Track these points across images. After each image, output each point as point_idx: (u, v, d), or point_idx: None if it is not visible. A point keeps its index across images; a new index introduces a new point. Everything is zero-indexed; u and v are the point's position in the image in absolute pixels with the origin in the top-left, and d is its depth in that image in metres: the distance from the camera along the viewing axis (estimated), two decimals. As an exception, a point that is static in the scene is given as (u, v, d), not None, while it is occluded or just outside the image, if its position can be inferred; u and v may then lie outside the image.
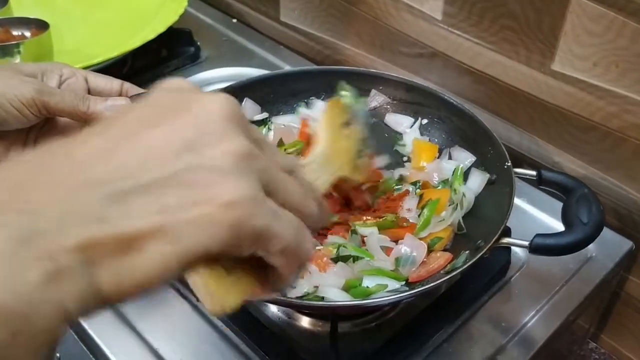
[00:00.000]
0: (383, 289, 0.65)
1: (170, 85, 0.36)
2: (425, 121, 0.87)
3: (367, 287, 0.66)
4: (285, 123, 0.88)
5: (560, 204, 0.68)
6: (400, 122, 0.88)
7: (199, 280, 0.33)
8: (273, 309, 0.74)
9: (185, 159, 0.31)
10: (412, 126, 0.87)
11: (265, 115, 0.88)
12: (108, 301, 0.30)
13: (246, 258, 0.33)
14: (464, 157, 0.81)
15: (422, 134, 0.87)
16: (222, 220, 0.30)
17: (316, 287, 0.66)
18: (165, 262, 0.30)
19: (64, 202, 0.29)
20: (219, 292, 0.34)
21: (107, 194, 0.29)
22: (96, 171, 0.30)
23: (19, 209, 0.28)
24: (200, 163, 0.31)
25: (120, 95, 0.77)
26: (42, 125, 0.74)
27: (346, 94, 0.84)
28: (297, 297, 0.65)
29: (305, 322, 0.73)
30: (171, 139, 0.31)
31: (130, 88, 0.78)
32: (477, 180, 0.77)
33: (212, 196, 0.30)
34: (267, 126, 0.88)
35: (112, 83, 0.77)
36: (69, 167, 0.30)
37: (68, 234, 0.28)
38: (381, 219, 0.73)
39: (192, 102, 0.33)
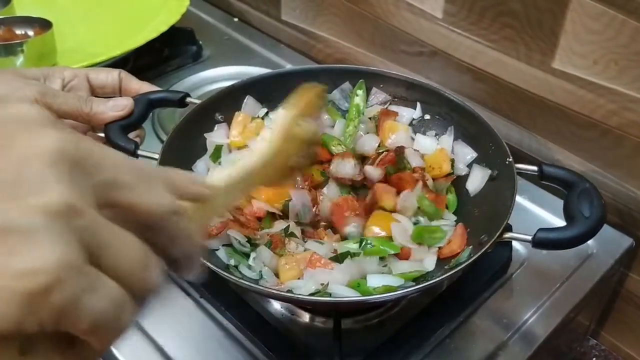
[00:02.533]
0: (387, 291, 0.66)
1: (5, 114, 0.30)
2: (427, 116, 0.87)
3: (371, 287, 0.67)
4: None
5: (560, 202, 0.68)
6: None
7: None
8: (276, 305, 0.75)
9: None
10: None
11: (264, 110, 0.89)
12: None
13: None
14: (466, 153, 0.81)
15: (423, 131, 0.87)
16: (12, 295, 0.25)
17: (323, 284, 0.67)
18: None
19: None
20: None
21: None
22: None
23: None
24: (8, 218, 0.26)
25: (120, 84, 0.78)
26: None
27: (360, 95, 0.85)
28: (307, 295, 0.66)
29: (308, 318, 0.74)
30: None
31: (125, 76, 0.79)
32: (478, 176, 0.78)
33: (6, 264, 0.25)
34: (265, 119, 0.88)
35: (112, 75, 0.78)
36: None
37: None
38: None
39: (18, 138, 0.28)
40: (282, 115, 0.60)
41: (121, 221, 0.30)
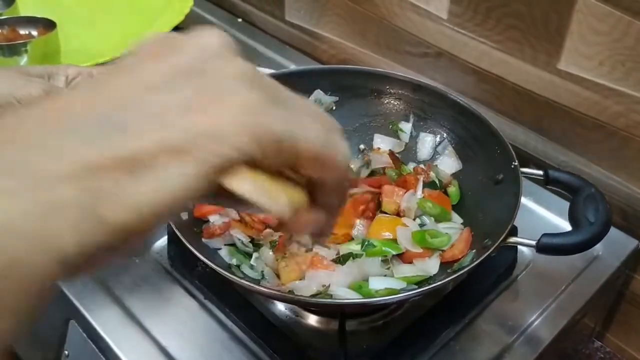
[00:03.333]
0: (390, 293, 0.66)
1: (201, 43, 0.34)
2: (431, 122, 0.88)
3: (373, 289, 0.67)
4: None
5: (567, 204, 0.68)
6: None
7: (246, 184, 0.30)
8: (281, 307, 0.75)
9: (188, 81, 0.30)
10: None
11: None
12: (119, 233, 0.26)
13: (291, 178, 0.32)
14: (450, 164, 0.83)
15: (427, 134, 0.87)
16: (238, 127, 0.29)
17: (325, 286, 0.66)
18: (184, 181, 0.28)
19: (56, 133, 0.27)
20: (275, 189, 0.31)
21: (109, 122, 0.27)
22: (97, 104, 0.28)
23: (15, 145, 0.26)
24: (206, 82, 0.30)
25: None
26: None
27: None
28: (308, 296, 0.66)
29: (313, 320, 0.74)
30: (171, 68, 0.30)
31: None
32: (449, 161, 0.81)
33: (225, 106, 0.29)
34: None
35: None
36: (72, 103, 0.29)
37: (59, 161, 0.26)
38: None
39: (186, 39, 0.32)
40: None
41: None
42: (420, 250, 0.71)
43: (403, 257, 0.72)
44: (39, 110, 0.28)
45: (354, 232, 0.74)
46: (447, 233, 0.74)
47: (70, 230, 0.25)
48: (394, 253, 0.70)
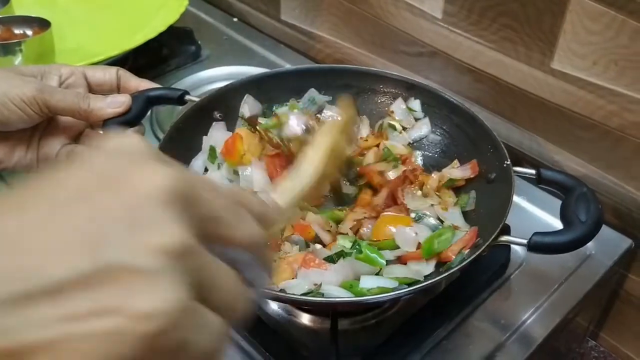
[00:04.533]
0: (382, 292, 0.66)
1: (113, 146, 0.30)
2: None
3: (364, 288, 0.67)
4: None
5: (559, 202, 0.68)
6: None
7: None
8: (274, 306, 0.75)
9: (105, 253, 0.26)
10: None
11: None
12: None
13: None
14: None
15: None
16: (132, 335, 0.25)
17: (316, 284, 0.66)
18: None
19: None
20: None
21: (6, 296, 0.25)
22: None
23: None
24: (122, 260, 0.26)
25: (118, 82, 0.78)
26: (46, 126, 0.75)
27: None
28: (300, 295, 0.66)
29: (305, 319, 0.74)
30: (92, 224, 0.26)
31: (123, 73, 0.79)
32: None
33: (127, 305, 0.25)
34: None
35: (109, 72, 0.78)
36: None
37: None
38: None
39: (129, 176, 0.28)
40: (324, 135, 0.60)
41: (215, 253, 0.30)
42: (418, 252, 0.71)
43: (400, 258, 0.72)
44: None
45: (362, 230, 0.74)
46: (451, 225, 0.73)
47: None
48: (383, 263, 0.69)
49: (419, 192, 0.76)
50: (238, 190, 0.35)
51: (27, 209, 0.27)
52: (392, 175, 0.79)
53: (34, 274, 0.25)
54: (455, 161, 0.81)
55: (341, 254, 0.69)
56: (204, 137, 0.83)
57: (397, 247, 0.71)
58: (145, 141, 0.31)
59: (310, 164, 0.54)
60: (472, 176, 0.78)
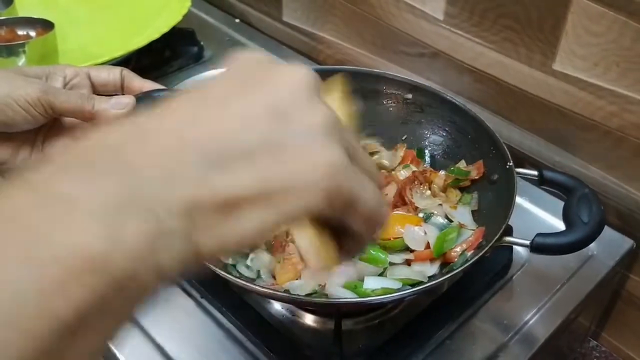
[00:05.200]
0: (386, 293, 0.66)
1: (247, 57, 0.36)
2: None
3: (367, 289, 0.67)
4: None
5: (561, 203, 0.69)
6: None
7: (303, 237, 0.35)
8: (277, 306, 0.75)
9: (278, 126, 0.31)
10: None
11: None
12: (204, 260, 0.31)
13: (327, 223, 0.35)
14: None
15: (423, 135, 0.88)
16: (319, 185, 0.31)
17: (320, 285, 0.67)
18: (264, 225, 0.31)
19: (164, 164, 0.29)
20: (322, 250, 0.35)
21: (206, 158, 0.30)
22: (192, 136, 0.30)
23: (120, 170, 0.29)
24: (293, 130, 0.31)
25: (122, 82, 0.78)
26: (50, 127, 0.75)
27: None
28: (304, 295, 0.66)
29: (309, 319, 0.74)
30: (261, 107, 0.32)
31: (127, 74, 0.79)
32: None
33: (310, 161, 0.31)
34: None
35: (114, 73, 0.78)
36: (164, 132, 0.31)
37: (170, 195, 0.29)
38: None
39: (275, 73, 0.34)
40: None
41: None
42: (427, 252, 0.71)
43: (407, 260, 0.72)
44: (143, 127, 0.31)
45: None
46: (457, 224, 0.73)
47: (172, 255, 0.29)
48: (386, 260, 0.69)
49: (428, 192, 0.77)
50: None
51: (199, 97, 0.33)
52: (403, 174, 0.80)
53: (225, 141, 0.30)
54: (462, 162, 0.81)
55: None
56: None
57: (405, 248, 0.71)
58: (313, 77, 0.35)
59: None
60: (476, 177, 0.78)
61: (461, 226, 0.72)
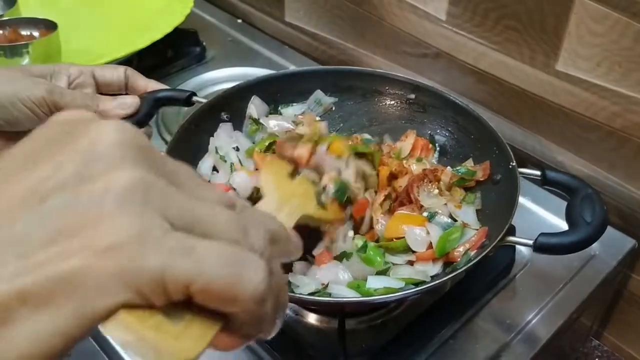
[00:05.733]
0: (389, 292, 0.66)
1: (61, 117, 0.30)
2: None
3: (370, 288, 0.67)
4: (296, 112, 0.90)
5: (564, 203, 0.69)
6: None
7: (122, 332, 0.26)
8: (280, 306, 0.75)
9: (59, 200, 0.26)
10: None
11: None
12: None
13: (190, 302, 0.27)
14: None
15: (427, 135, 0.88)
16: (102, 271, 0.25)
17: (324, 284, 0.67)
18: (44, 334, 0.24)
19: None
20: (165, 342, 0.26)
21: None
22: None
23: None
24: (77, 203, 0.25)
25: (126, 82, 0.79)
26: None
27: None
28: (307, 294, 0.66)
29: (312, 319, 0.74)
30: (46, 179, 0.26)
31: (132, 73, 0.79)
32: None
33: (88, 242, 0.25)
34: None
35: (118, 72, 0.79)
36: None
37: None
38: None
39: (81, 132, 0.28)
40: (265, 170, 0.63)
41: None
42: (429, 252, 0.72)
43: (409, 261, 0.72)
44: None
45: (377, 227, 0.74)
46: (461, 224, 0.73)
47: None
48: (380, 262, 0.69)
49: (435, 191, 0.76)
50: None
51: None
52: (414, 168, 0.79)
53: None
54: (470, 161, 0.81)
55: (343, 255, 0.69)
56: (211, 138, 0.84)
57: (408, 249, 0.71)
58: (90, 112, 0.30)
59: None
60: (482, 178, 0.78)
61: (465, 225, 0.72)
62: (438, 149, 0.87)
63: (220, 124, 0.85)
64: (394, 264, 0.70)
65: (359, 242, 0.71)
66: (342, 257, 0.69)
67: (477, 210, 0.77)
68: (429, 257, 0.70)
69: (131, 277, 0.25)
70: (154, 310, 0.26)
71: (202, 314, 0.27)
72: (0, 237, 0.25)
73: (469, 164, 0.81)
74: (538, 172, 0.72)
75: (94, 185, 0.26)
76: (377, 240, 0.73)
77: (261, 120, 0.87)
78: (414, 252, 0.72)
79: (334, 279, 0.67)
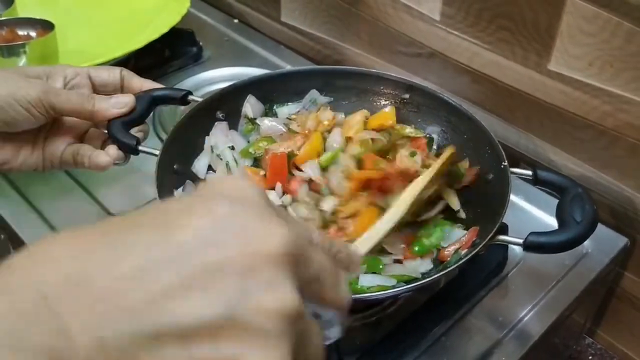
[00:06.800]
0: (381, 289, 0.67)
1: (232, 189, 0.31)
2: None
3: (363, 286, 0.68)
4: (292, 112, 0.90)
5: (556, 201, 0.70)
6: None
7: None
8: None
9: (230, 306, 0.27)
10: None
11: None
12: None
13: None
14: None
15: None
16: None
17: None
18: None
19: (94, 328, 0.26)
20: None
21: (140, 330, 0.26)
22: (130, 297, 0.27)
23: (49, 322, 0.26)
24: (245, 317, 0.27)
25: (122, 82, 0.80)
26: (51, 127, 0.76)
27: None
28: None
29: (306, 316, 0.75)
30: (217, 273, 0.28)
31: (127, 73, 0.80)
32: None
33: (245, 358, 0.27)
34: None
35: (113, 73, 0.80)
36: (103, 283, 0.27)
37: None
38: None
39: (253, 228, 0.29)
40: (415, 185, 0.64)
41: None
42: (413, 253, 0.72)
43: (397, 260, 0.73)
44: (88, 273, 0.28)
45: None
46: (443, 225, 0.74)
47: None
48: (384, 263, 0.71)
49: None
50: (331, 239, 0.37)
51: (149, 245, 0.28)
52: (404, 160, 0.79)
53: (164, 314, 0.27)
54: (466, 161, 0.82)
55: None
56: (207, 137, 0.85)
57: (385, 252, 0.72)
58: (257, 187, 0.32)
59: (396, 210, 0.56)
60: (468, 184, 0.78)
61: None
62: (435, 147, 0.87)
63: (216, 123, 0.86)
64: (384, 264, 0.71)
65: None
66: None
67: (469, 209, 0.78)
68: (414, 256, 0.71)
69: None
70: None
71: None
72: (170, 322, 0.27)
73: (465, 164, 0.81)
74: (529, 172, 0.73)
75: (257, 302, 0.28)
76: None
77: (257, 120, 0.87)
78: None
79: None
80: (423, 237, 0.72)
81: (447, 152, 0.75)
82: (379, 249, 0.69)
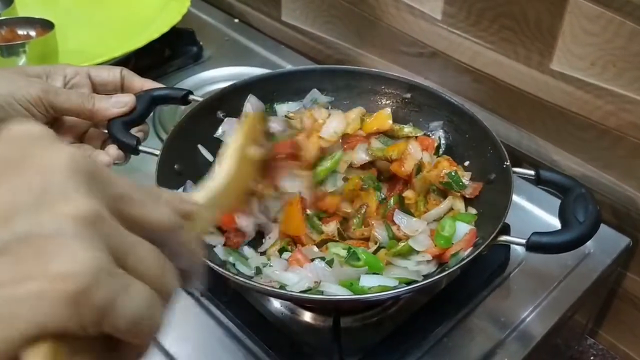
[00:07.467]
0: (383, 290, 0.67)
1: (13, 134, 0.31)
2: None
3: (364, 286, 0.68)
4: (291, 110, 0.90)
5: (558, 201, 0.69)
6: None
7: None
8: (276, 304, 0.76)
9: (15, 227, 0.27)
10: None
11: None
12: None
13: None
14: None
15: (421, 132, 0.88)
16: (56, 296, 0.26)
17: (316, 282, 0.67)
18: None
19: None
20: None
21: None
22: None
23: None
24: (33, 231, 0.27)
25: (122, 82, 0.79)
26: (50, 126, 0.76)
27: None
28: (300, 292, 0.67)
29: (308, 317, 0.75)
30: (3, 200, 0.28)
31: (127, 73, 0.80)
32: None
33: (45, 269, 0.26)
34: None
35: (113, 72, 0.79)
36: None
37: None
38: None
39: (32, 157, 0.29)
40: (230, 143, 0.62)
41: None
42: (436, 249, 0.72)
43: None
44: None
45: (377, 234, 0.75)
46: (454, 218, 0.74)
47: None
48: (382, 270, 0.70)
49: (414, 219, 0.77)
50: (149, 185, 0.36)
51: None
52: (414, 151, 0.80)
53: None
54: (467, 163, 0.82)
55: (332, 262, 0.70)
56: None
57: (415, 251, 0.72)
58: (42, 125, 0.32)
59: (222, 167, 0.56)
60: (469, 196, 0.78)
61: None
62: (443, 148, 0.87)
63: (225, 119, 0.85)
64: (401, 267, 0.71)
65: (339, 249, 0.71)
66: (330, 263, 0.70)
67: (471, 209, 0.77)
68: (441, 251, 0.71)
69: (81, 306, 0.26)
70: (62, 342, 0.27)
71: (94, 348, 0.29)
72: None
73: (468, 173, 0.81)
74: (532, 172, 0.72)
75: (50, 213, 0.27)
76: (379, 248, 0.75)
77: None
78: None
79: (328, 277, 0.68)
80: (439, 230, 0.73)
81: (249, 118, 0.73)
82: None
